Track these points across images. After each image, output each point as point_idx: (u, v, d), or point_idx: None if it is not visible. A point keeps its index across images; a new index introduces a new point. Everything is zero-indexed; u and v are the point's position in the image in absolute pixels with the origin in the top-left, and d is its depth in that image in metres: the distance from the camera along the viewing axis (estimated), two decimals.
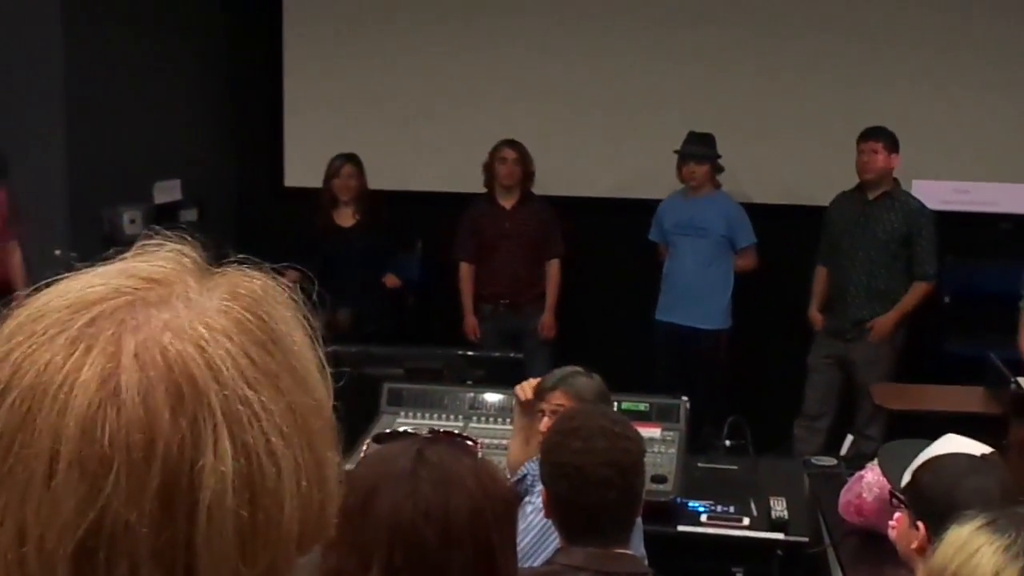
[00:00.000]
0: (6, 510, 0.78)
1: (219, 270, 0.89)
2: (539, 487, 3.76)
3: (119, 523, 0.77)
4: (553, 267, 7.02)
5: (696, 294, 6.82)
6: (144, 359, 0.79)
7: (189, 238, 0.90)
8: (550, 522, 3.05)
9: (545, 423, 3.94)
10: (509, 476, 4.25)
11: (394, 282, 7.16)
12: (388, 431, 1.96)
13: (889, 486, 3.10)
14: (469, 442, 2.00)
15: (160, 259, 0.87)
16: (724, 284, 6.87)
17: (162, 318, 0.82)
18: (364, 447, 1.92)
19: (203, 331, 0.82)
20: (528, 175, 7.03)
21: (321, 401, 0.88)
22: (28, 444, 0.77)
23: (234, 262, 0.90)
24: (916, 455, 2.83)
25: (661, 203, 7.08)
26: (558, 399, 3.98)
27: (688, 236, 6.85)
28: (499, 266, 6.98)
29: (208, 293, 0.86)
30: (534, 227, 7.00)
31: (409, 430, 1.95)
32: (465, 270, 7.07)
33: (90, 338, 0.80)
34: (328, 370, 0.90)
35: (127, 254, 0.88)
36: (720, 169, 6.92)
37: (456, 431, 2.07)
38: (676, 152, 6.86)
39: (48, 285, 0.86)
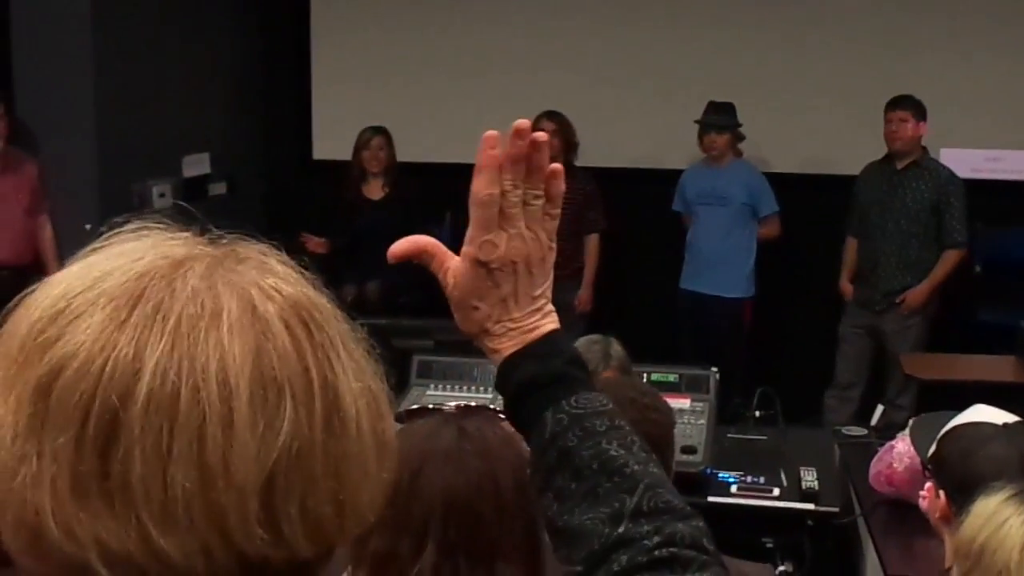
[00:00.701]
0: (180, 457, 0.79)
1: (224, 242, 0.90)
2: None
3: (300, 449, 0.81)
4: (592, 241, 6.98)
5: (719, 262, 6.81)
6: (271, 297, 0.84)
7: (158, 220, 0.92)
8: None
9: None
10: None
11: (317, 245, 7.00)
12: (412, 407, 1.95)
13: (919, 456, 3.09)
14: (499, 414, 2.00)
15: (173, 237, 0.89)
16: (747, 252, 6.86)
17: (249, 270, 0.86)
18: None
19: (293, 274, 0.88)
20: (570, 146, 6.97)
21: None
22: (194, 393, 0.79)
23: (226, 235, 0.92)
24: (945, 426, 2.82)
25: (683, 173, 7.07)
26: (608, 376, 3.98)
27: (710, 205, 6.84)
28: None
29: (246, 262, 0.88)
30: (575, 200, 6.92)
31: (431, 406, 1.94)
32: None
33: (208, 288, 0.83)
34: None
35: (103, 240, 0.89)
36: (741, 138, 6.89)
37: (484, 404, 2.06)
38: (696, 122, 6.84)
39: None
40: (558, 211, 1.23)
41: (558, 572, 2.14)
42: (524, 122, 1.18)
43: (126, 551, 0.79)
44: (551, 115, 6.89)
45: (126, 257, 0.85)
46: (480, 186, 1.19)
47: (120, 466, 0.78)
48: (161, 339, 0.80)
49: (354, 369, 0.86)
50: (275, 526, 0.81)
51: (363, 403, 0.86)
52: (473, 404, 2.02)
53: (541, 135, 1.18)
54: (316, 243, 6.98)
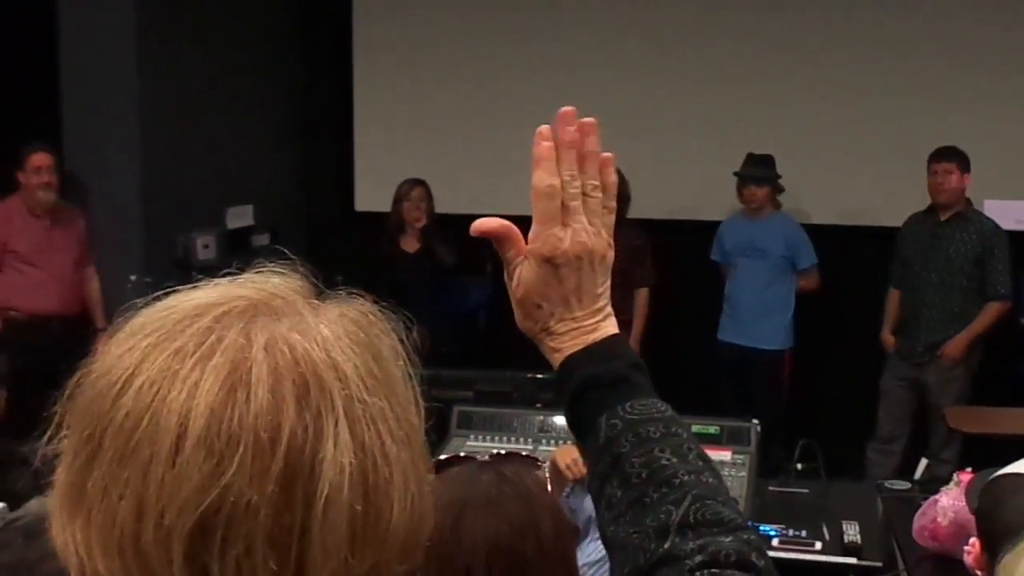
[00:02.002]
0: (127, 486, 0.80)
1: (326, 293, 0.93)
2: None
3: (240, 504, 0.79)
4: (641, 296, 6.95)
5: (758, 315, 6.80)
6: (273, 351, 0.83)
7: (296, 269, 0.94)
8: None
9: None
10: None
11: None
12: (446, 456, 1.96)
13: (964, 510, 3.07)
14: (535, 460, 2.01)
15: (272, 277, 0.92)
16: (785, 304, 6.84)
17: (285, 321, 0.86)
18: None
19: (327, 334, 0.86)
20: (623, 199, 6.98)
21: (419, 425, 0.91)
22: (155, 423, 0.80)
23: (340, 291, 0.94)
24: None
25: (721, 224, 7.07)
26: None
27: (749, 257, 6.84)
28: None
29: (323, 308, 0.90)
30: (625, 253, 6.88)
31: (463, 454, 1.96)
32: None
33: (221, 330, 0.84)
34: (421, 401, 0.92)
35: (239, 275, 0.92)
36: (781, 190, 6.89)
37: (523, 453, 2.07)
38: (736, 174, 6.84)
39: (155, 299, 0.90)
40: (614, 204, 1.22)
41: None
42: (570, 108, 1.18)
43: (81, 566, 0.82)
44: None
45: (197, 296, 0.88)
46: (539, 178, 1.18)
47: (92, 484, 0.82)
48: (154, 366, 0.82)
49: (360, 445, 0.83)
50: (203, 575, 0.80)
51: (351, 482, 0.82)
52: (505, 452, 2.03)
53: (589, 120, 1.19)
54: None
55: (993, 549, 2.09)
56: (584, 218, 1.18)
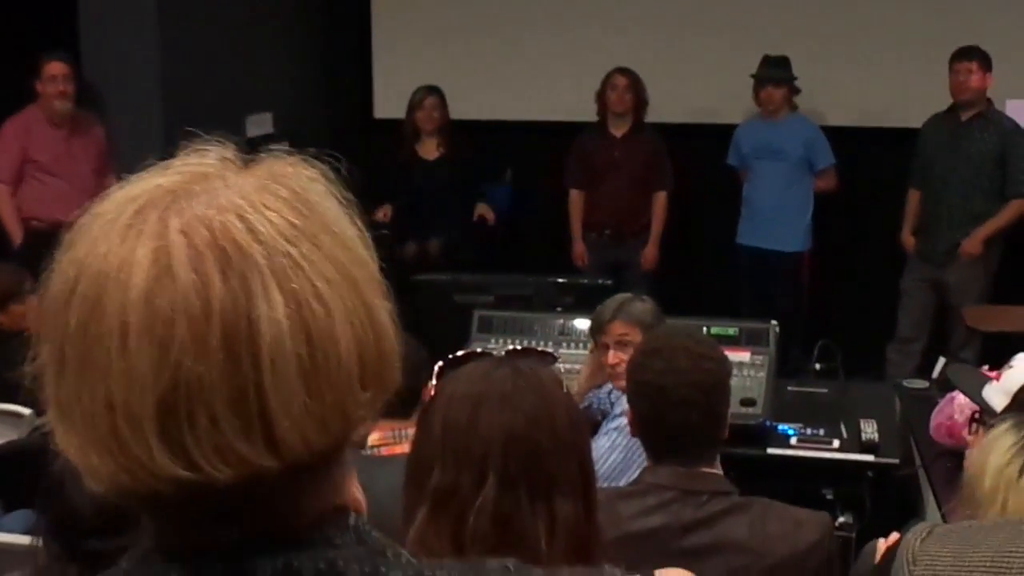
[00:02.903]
0: (94, 386, 0.88)
1: (257, 158, 0.96)
2: (619, 410, 3.83)
3: (192, 377, 0.86)
4: (660, 199, 6.95)
5: (777, 217, 6.80)
6: (189, 232, 0.88)
7: (229, 141, 0.98)
8: (636, 442, 3.10)
9: (612, 355, 4.00)
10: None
11: (487, 215, 7.20)
12: (461, 353, 1.99)
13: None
14: (551, 355, 2.05)
15: (203, 157, 0.96)
16: (804, 206, 6.84)
17: (203, 199, 0.91)
18: (436, 370, 1.96)
19: (241, 202, 0.91)
20: (641, 103, 6.96)
21: (363, 256, 0.96)
22: (100, 323, 0.87)
23: (273, 151, 0.98)
24: (981, 378, 2.85)
25: (738, 128, 7.05)
26: (618, 329, 4.06)
27: (767, 159, 6.82)
28: (605, 195, 6.94)
29: (246, 176, 0.94)
30: (643, 158, 6.93)
31: (479, 349, 1.99)
32: (575, 197, 7.05)
33: (139, 224, 0.90)
34: (366, 232, 0.97)
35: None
36: (797, 91, 6.86)
37: (539, 348, 2.10)
38: (752, 76, 6.81)
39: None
40: None
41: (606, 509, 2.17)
42: None
43: (80, 464, 0.90)
44: (624, 71, 6.91)
45: (119, 195, 0.93)
46: None
47: (66, 393, 0.90)
48: (90, 272, 0.89)
49: (291, 295, 0.88)
50: (183, 452, 0.87)
51: (291, 331, 0.88)
52: (519, 347, 2.06)
53: None
54: (383, 212, 7.07)
55: None
56: None
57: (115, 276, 0.88)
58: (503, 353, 1.98)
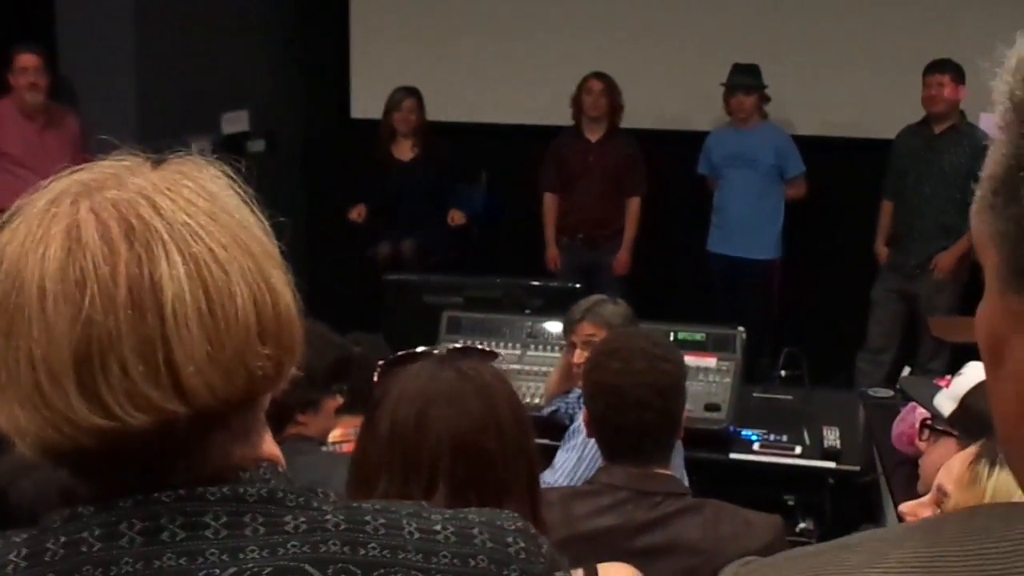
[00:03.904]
0: (18, 351, 0.98)
1: (167, 160, 1.07)
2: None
3: (103, 332, 0.97)
4: (633, 204, 6.96)
5: (748, 225, 6.83)
6: (98, 210, 1.00)
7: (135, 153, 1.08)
8: None
9: (578, 355, 4.02)
10: (544, 406, 4.35)
11: (459, 219, 7.21)
12: (402, 353, 2.00)
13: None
14: (492, 354, 2.05)
15: (117, 160, 1.06)
16: (775, 214, 6.88)
17: (112, 188, 1.02)
18: (378, 370, 1.97)
19: (145, 185, 1.02)
20: (616, 108, 6.98)
21: (260, 236, 1.06)
22: (21, 293, 0.98)
23: (183, 155, 1.08)
24: (932, 387, 2.87)
25: (708, 136, 7.07)
26: (587, 330, 4.09)
27: (738, 168, 6.85)
28: (579, 199, 6.96)
29: (154, 172, 1.05)
30: (617, 162, 6.95)
31: (420, 349, 1.99)
32: (549, 201, 7.06)
33: (55, 208, 1.01)
34: (264, 220, 1.08)
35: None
36: (767, 99, 6.89)
37: (472, 346, 2.10)
38: (723, 85, 6.84)
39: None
40: None
41: (550, 510, 2.18)
42: None
43: (9, 427, 1.00)
44: (599, 76, 6.92)
45: (43, 193, 1.04)
46: None
47: None
48: (12, 253, 1.00)
49: (191, 256, 0.99)
50: (99, 401, 0.97)
51: (190, 287, 0.98)
52: (460, 345, 2.06)
53: None
54: (356, 212, 7.09)
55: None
56: None
57: (33, 252, 0.99)
58: (444, 351, 1.98)
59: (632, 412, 2.58)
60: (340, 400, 3.16)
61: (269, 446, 1.09)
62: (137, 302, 0.97)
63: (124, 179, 1.03)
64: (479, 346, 2.13)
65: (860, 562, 0.81)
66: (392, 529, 1.05)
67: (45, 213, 1.01)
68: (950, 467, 2.08)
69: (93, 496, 1.02)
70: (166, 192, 1.02)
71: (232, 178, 1.07)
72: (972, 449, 2.06)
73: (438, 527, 1.06)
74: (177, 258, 0.98)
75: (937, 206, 6.45)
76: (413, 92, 7.19)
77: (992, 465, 1.96)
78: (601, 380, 2.64)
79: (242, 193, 1.07)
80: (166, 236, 0.99)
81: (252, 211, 1.07)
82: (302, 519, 1.02)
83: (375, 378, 1.95)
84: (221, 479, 1.03)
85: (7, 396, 0.99)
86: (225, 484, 1.02)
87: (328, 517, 1.03)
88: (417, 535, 1.05)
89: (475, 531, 1.08)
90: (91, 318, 0.96)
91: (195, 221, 1.01)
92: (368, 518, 1.05)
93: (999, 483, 1.95)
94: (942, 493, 2.06)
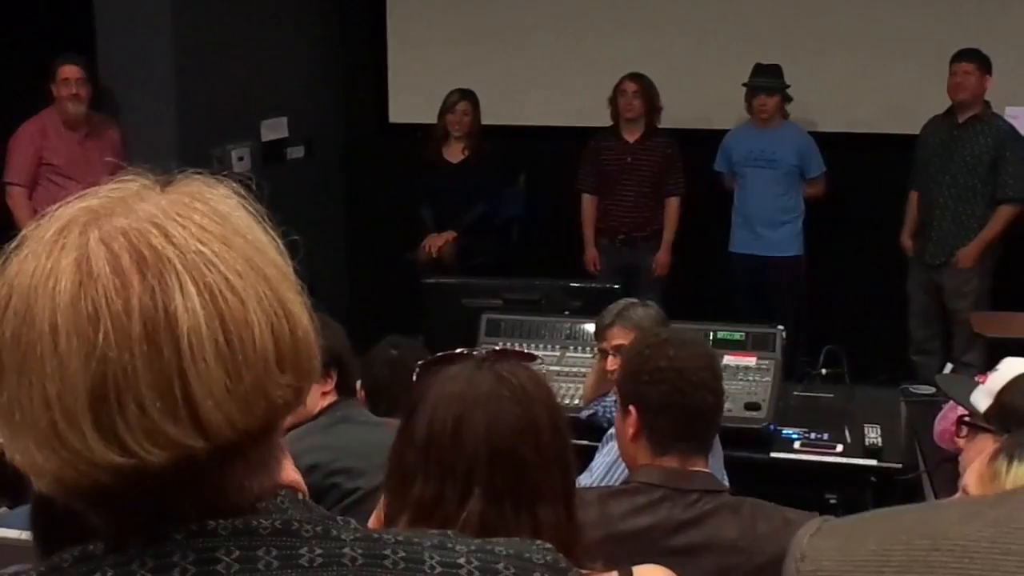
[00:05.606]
0: (31, 388, 0.95)
1: (175, 181, 1.04)
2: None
3: (118, 368, 0.93)
4: (672, 204, 6.95)
5: (771, 223, 6.82)
6: (108, 241, 0.96)
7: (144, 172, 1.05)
8: None
9: (611, 362, 3.97)
10: (583, 408, 4.33)
11: (435, 248, 7.11)
12: (442, 353, 2.00)
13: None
14: (530, 356, 2.05)
15: (124, 184, 1.03)
16: (797, 212, 6.86)
17: (121, 215, 0.99)
18: (416, 372, 1.97)
19: (156, 213, 0.99)
20: (653, 109, 6.96)
21: (275, 258, 1.03)
22: (32, 329, 0.95)
23: (195, 176, 1.05)
24: (969, 384, 2.86)
25: (728, 134, 7.05)
26: (617, 336, 4.02)
27: (759, 167, 6.83)
28: (618, 200, 6.97)
29: (162, 195, 1.02)
30: (655, 163, 6.94)
31: (461, 350, 1.99)
32: (587, 202, 7.06)
33: (63, 240, 0.98)
34: (279, 240, 1.05)
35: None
36: (789, 99, 6.86)
37: (512, 348, 2.11)
38: (744, 85, 6.82)
39: None
40: None
41: (586, 510, 2.19)
42: None
43: (26, 466, 0.97)
44: (635, 77, 6.91)
45: (50, 223, 1.00)
46: None
47: (8, 398, 0.97)
48: (21, 286, 0.97)
49: (205, 287, 0.96)
50: (116, 439, 0.94)
51: (206, 319, 0.95)
52: (499, 348, 2.06)
53: None
54: (437, 244, 7.09)
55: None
56: None
57: (43, 286, 0.96)
58: (483, 353, 1.97)
59: (696, 393, 2.60)
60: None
61: (289, 472, 1.07)
62: (152, 337, 0.94)
63: (132, 205, 1.00)
64: (518, 348, 2.14)
65: (957, 517, 0.81)
66: (412, 563, 1.02)
67: (54, 244, 0.97)
68: (973, 467, 2.07)
69: (105, 526, 1.01)
70: (176, 219, 0.99)
71: (243, 196, 1.05)
72: (992, 447, 2.05)
73: (461, 560, 1.03)
74: (192, 289, 0.96)
75: (957, 195, 6.44)
76: (468, 95, 7.21)
77: (1011, 460, 1.94)
78: (660, 366, 2.61)
79: (254, 212, 1.05)
80: (179, 266, 0.96)
81: (265, 230, 1.04)
82: (318, 551, 1.00)
83: (413, 379, 1.96)
84: (236, 511, 1.00)
85: (21, 435, 0.97)
86: (239, 516, 1.00)
87: (346, 551, 1.01)
88: (439, 569, 1.02)
89: (500, 565, 1.04)
90: (106, 355, 0.93)
91: (208, 248, 0.98)
92: (388, 551, 1.02)
93: (1018, 478, 1.94)
94: (966, 494, 2.06)
